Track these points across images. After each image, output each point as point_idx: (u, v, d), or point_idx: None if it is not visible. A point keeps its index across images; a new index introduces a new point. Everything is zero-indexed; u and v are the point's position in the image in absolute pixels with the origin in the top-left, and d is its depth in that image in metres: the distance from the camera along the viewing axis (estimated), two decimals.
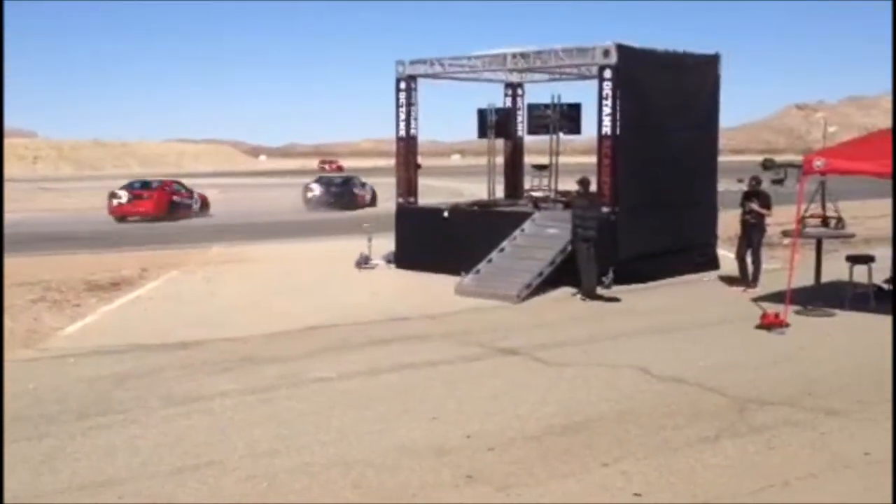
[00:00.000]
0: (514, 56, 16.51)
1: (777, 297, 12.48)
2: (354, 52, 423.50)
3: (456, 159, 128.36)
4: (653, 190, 15.16)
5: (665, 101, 15.45)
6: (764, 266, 14.87)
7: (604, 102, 14.75)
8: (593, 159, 15.25)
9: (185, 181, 37.93)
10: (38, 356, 10.40)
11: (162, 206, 32.03)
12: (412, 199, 17.78)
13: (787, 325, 11.16)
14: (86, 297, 14.05)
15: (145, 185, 34.25)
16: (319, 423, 7.59)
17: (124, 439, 7.24)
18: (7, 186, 54.42)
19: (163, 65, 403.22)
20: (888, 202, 17.17)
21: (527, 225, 15.73)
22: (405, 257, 17.16)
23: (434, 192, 29.75)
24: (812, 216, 13.00)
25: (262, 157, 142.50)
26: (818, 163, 11.64)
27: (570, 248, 14.32)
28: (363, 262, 17.26)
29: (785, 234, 15.21)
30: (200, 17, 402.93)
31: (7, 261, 18.35)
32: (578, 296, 13.86)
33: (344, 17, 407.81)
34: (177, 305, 13.63)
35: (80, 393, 8.68)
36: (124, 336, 11.32)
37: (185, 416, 7.85)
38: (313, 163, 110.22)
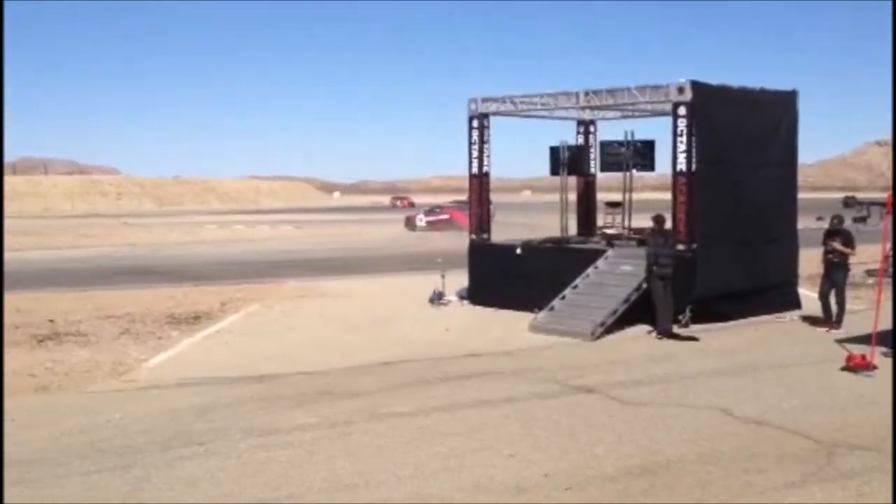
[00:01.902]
0: (586, 94, 16.55)
1: (862, 338, 12.12)
2: (425, 90, 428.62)
3: (527, 195, 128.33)
4: (730, 227, 14.95)
5: (741, 138, 15.27)
6: (848, 306, 14.47)
7: (678, 139, 14.67)
8: (667, 196, 15.14)
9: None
10: (124, 387, 10.71)
11: None
12: (485, 236, 17.86)
13: (874, 367, 10.83)
14: (169, 330, 14.43)
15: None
16: (397, 459, 7.63)
17: (206, 470, 7.39)
18: (93, 221, 56.36)
19: (239, 103, 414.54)
20: None
21: (600, 262, 15.65)
22: (478, 293, 17.20)
23: (506, 228, 29.79)
24: None
25: (336, 194, 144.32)
26: None
27: (644, 285, 14.19)
28: (437, 298, 17.36)
29: (869, 273, 14.81)
30: (273, 58, 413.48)
31: (93, 294, 19.04)
32: (654, 334, 13.68)
33: (416, 55, 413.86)
34: (256, 339, 13.89)
35: (163, 424, 8.89)
36: (205, 369, 11.59)
37: (264, 449, 7.97)
38: (385, 199, 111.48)
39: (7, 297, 18.42)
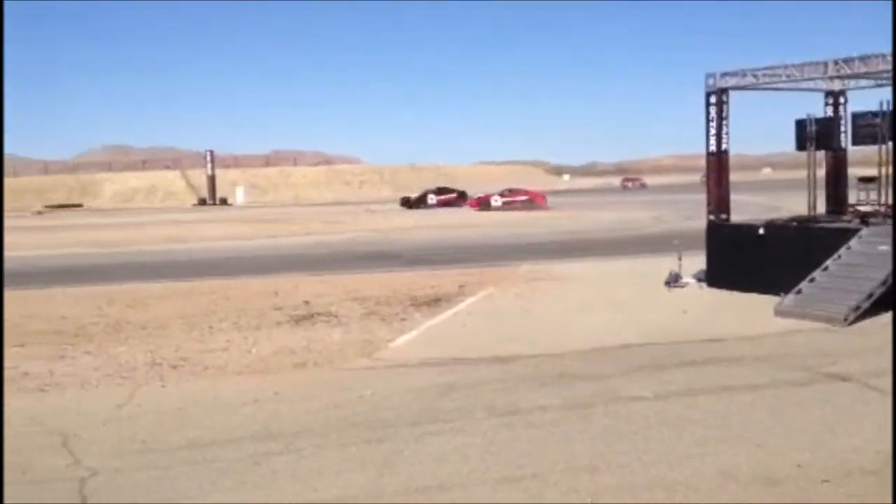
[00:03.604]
0: (835, 63, 15.46)
1: None
2: (655, 67, 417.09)
3: (767, 173, 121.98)
4: None
5: None
6: None
7: None
8: None
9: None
10: (373, 365, 11.37)
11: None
12: (724, 216, 17.21)
13: None
14: (411, 312, 15.10)
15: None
16: (638, 443, 7.59)
17: (453, 447, 7.70)
18: (338, 209, 59.84)
19: (470, 92, 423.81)
20: None
21: (853, 242, 14.63)
22: (717, 276, 16.64)
23: (745, 207, 28.58)
24: None
25: (566, 177, 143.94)
26: None
27: None
28: (673, 280, 16.98)
29: None
30: (502, 46, 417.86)
31: (342, 277, 20.27)
32: None
33: (647, 31, 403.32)
34: (493, 321, 14.24)
35: (410, 401, 9.35)
36: (446, 349, 12.05)
37: (507, 428, 8.19)
38: (615, 181, 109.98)
39: (266, 280, 20.07)
